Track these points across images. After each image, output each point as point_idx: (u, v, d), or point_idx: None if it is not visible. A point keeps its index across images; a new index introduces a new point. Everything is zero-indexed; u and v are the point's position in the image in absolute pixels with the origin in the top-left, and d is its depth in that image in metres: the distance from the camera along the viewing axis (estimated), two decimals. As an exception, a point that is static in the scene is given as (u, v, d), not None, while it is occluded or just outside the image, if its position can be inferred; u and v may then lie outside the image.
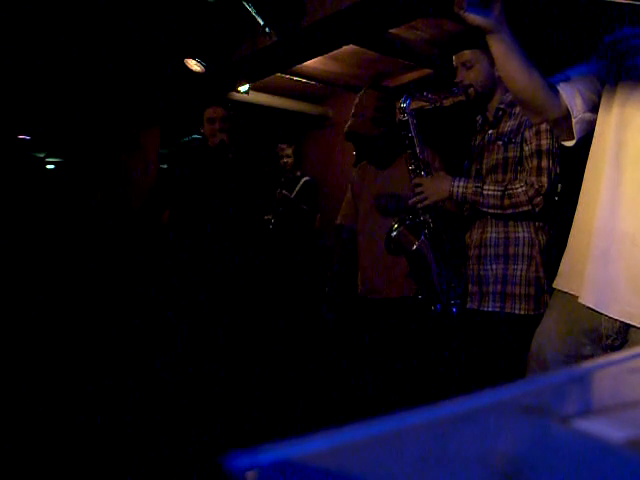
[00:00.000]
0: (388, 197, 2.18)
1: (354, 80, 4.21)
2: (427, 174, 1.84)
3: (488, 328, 1.77)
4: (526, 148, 1.74)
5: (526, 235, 1.75)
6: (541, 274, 1.73)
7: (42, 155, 6.05)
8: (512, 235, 1.76)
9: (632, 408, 0.37)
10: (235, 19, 3.11)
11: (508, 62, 1.28)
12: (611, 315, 1.21)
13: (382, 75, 4.15)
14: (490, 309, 1.77)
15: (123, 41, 3.42)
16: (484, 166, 1.87)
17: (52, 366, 2.93)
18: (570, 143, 1.37)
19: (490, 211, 1.75)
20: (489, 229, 1.81)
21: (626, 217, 1.20)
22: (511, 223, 1.77)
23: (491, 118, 1.89)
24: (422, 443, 0.30)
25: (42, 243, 4.23)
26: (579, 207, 1.35)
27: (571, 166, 1.63)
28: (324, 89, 4.45)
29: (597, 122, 1.31)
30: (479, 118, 1.97)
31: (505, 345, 1.71)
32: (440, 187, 1.79)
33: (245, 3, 2.80)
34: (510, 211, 1.72)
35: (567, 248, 1.37)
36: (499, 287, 1.76)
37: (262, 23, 2.86)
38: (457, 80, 1.87)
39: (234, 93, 4.07)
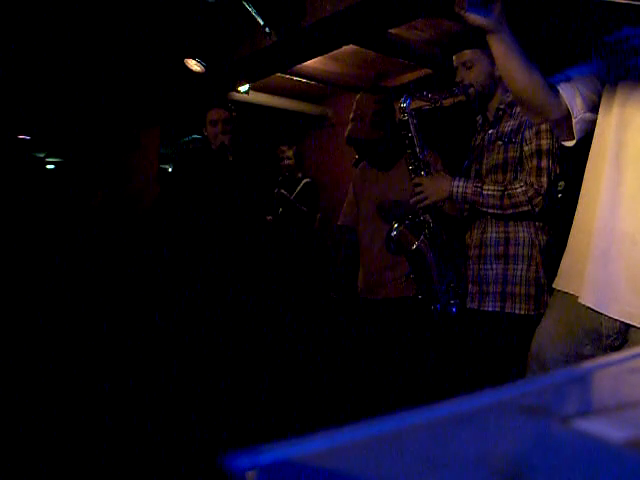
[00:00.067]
0: (389, 200, 2.19)
1: (354, 80, 4.21)
2: (427, 174, 1.84)
3: (488, 328, 1.77)
4: (526, 148, 1.73)
5: (526, 235, 1.75)
6: (541, 274, 1.73)
7: (42, 155, 6.06)
8: (512, 235, 1.76)
9: (632, 408, 0.37)
10: (235, 19, 3.11)
11: (508, 62, 1.28)
12: (611, 315, 1.21)
13: (382, 75, 4.15)
14: (490, 309, 1.77)
15: (123, 41, 3.43)
16: (484, 166, 1.86)
17: (52, 366, 2.92)
18: (570, 143, 1.37)
19: (490, 211, 1.75)
20: (489, 229, 1.81)
21: (626, 217, 1.20)
22: (511, 223, 1.77)
23: (491, 118, 1.89)
24: (422, 443, 0.30)
25: (42, 243, 4.23)
26: (579, 207, 1.35)
27: (571, 166, 1.64)
28: (324, 89, 4.45)
29: (597, 122, 1.31)
30: (479, 118, 1.97)
31: (505, 345, 1.71)
32: (440, 187, 1.79)
33: (245, 3, 2.80)
34: (510, 211, 1.72)
35: (567, 248, 1.37)
36: (499, 287, 1.76)
37: (262, 23, 2.86)
38: (457, 80, 1.87)
39: (234, 93, 4.07)
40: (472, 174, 1.91)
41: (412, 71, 4.03)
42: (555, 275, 1.40)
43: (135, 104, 4.30)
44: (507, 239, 1.77)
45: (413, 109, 1.84)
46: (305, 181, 4.00)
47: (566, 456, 0.29)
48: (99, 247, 4.08)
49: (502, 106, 1.84)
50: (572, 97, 1.31)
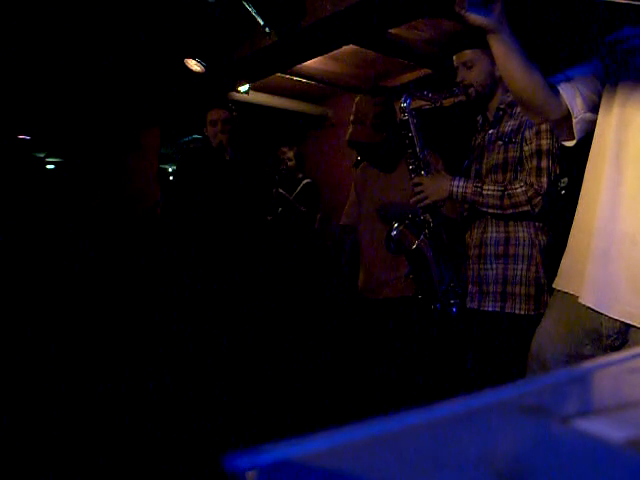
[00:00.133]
0: (390, 201, 2.19)
1: (354, 80, 4.21)
2: (427, 173, 1.84)
3: (488, 328, 1.77)
4: (526, 148, 1.73)
5: (526, 235, 1.75)
6: (541, 274, 1.73)
7: (42, 155, 6.05)
8: (512, 235, 1.76)
9: (632, 408, 0.37)
10: (235, 19, 3.11)
11: (508, 62, 1.28)
12: (611, 315, 1.21)
13: (382, 75, 4.15)
14: (490, 309, 1.77)
15: (123, 41, 3.42)
16: (484, 166, 1.86)
17: (53, 366, 2.93)
18: (570, 143, 1.37)
19: (490, 211, 1.75)
20: (489, 229, 1.81)
21: (626, 217, 1.20)
22: (511, 223, 1.77)
23: (491, 118, 1.89)
24: (422, 443, 0.30)
25: (42, 243, 4.23)
26: (579, 207, 1.35)
27: (571, 166, 1.64)
28: (324, 89, 4.45)
29: (597, 122, 1.31)
30: (479, 118, 1.97)
31: (505, 345, 1.71)
32: (440, 186, 1.79)
33: (245, 3, 2.80)
34: (510, 211, 1.72)
35: (567, 248, 1.37)
36: (499, 287, 1.76)
37: (262, 23, 2.86)
38: (457, 80, 1.87)
39: (234, 93, 4.07)
40: (472, 174, 1.91)
41: (412, 71, 4.02)
42: (555, 275, 1.40)
43: (135, 104, 4.29)
44: (507, 239, 1.77)
45: (413, 109, 1.84)
46: (305, 182, 4.00)
47: (566, 456, 0.29)
48: (99, 247, 4.08)
49: (502, 106, 1.84)
50: (572, 97, 1.31)
